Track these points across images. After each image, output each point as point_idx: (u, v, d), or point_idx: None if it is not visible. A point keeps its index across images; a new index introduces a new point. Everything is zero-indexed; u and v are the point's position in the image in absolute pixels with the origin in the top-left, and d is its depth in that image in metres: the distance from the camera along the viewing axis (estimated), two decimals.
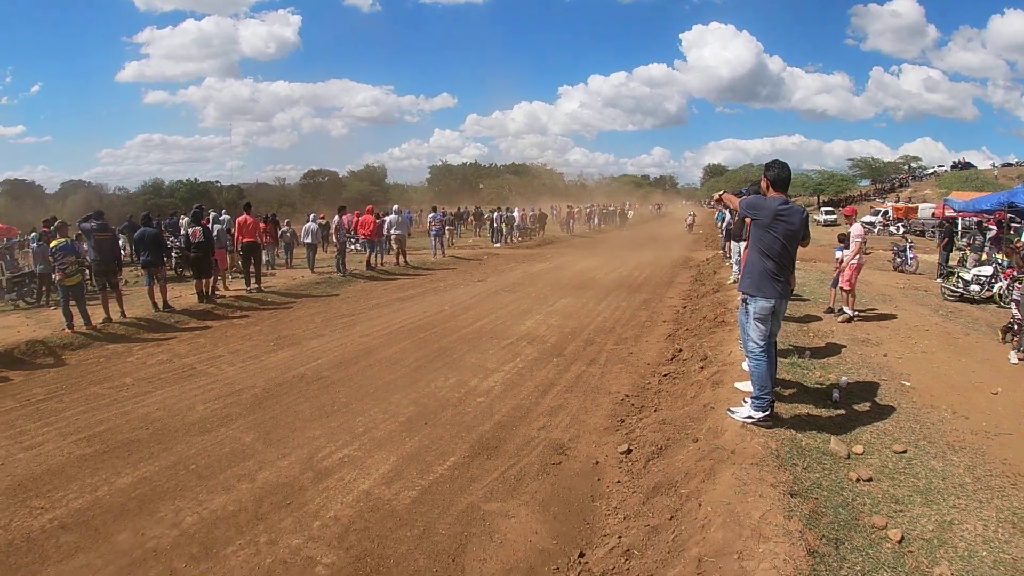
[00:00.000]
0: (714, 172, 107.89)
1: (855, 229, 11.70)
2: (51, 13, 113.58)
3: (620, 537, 5.08)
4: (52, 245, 12.74)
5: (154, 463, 6.91)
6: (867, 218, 44.63)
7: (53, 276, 13.09)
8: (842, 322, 11.25)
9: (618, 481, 6.25)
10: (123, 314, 13.98)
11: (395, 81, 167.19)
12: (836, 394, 7.21)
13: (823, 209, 59.58)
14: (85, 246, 14.50)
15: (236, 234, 18.14)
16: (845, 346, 9.58)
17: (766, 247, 6.21)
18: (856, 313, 11.55)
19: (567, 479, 6.41)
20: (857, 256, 11.44)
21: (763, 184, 6.53)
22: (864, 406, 7.06)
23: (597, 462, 6.74)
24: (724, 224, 19.60)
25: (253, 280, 18.15)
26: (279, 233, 25.72)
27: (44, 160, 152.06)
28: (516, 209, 37.95)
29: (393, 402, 8.72)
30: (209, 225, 17.00)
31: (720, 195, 7.62)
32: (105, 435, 7.73)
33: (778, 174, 6.39)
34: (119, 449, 7.31)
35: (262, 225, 20.31)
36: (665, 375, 9.31)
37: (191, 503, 6.04)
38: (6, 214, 55.84)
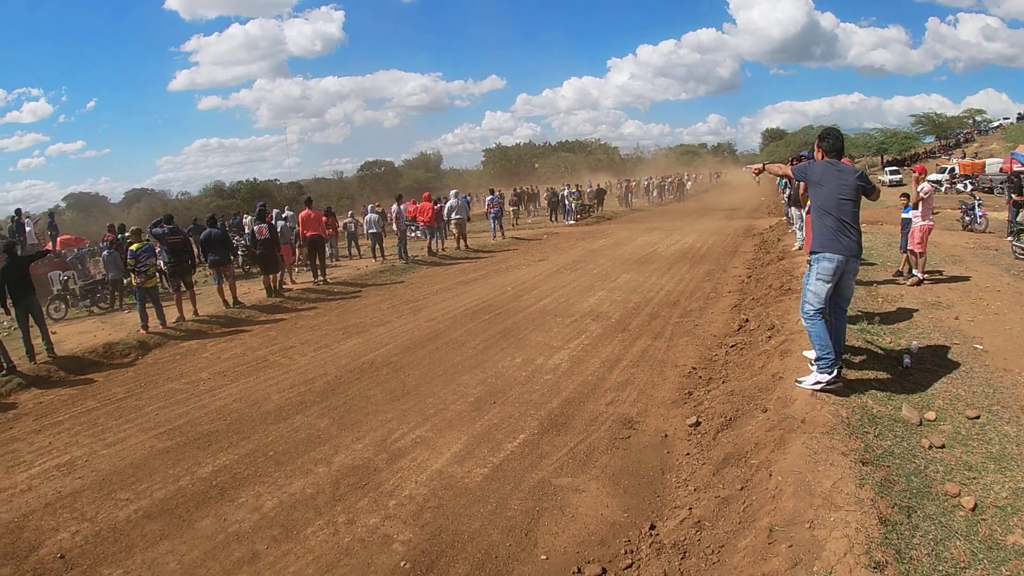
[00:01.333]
0: (773, 136, 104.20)
1: (924, 187, 11.31)
2: (99, 31, 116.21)
3: (691, 509, 5.08)
4: (134, 248, 13.10)
5: (233, 452, 7.15)
6: (933, 176, 42.87)
7: (130, 280, 13.53)
8: (911, 285, 10.91)
9: (687, 453, 6.23)
10: (196, 312, 14.40)
11: (442, 67, 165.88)
12: (907, 359, 7.00)
13: (887, 169, 57.33)
14: (157, 250, 14.90)
15: (301, 228, 18.47)
16: (916, 310, 9.27)
17: (822, 201, 6.13)
18: (926, 276, 11.23)
19: (636, 453, 6.43)
20: (928, 217, 11.08)
21: (817, 155, 6.45)
22: (936, 371, 6.84)
23: (666, 435, 6.73)
24: (786, 191, 19.24)
25: (319, 272, 18.47)
26: (342, 224, 26.12)
27: (106, 172, 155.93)
28: (569, 185, 37.69)
29: (461, 383, 8.82)
30: (273, 222, 17.35)
31: (763, 166, 7.48)
32: (184, 428, 8.01)
33: (832, 144, 6.32)
34: (199, 440, 7.57)
35: (324, 218, 20.58)
36: (732, 346, 9.19)
37: (270, 488, 6.24)
38: (74, 226, 57.64)
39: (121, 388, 10.02)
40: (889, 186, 46.39)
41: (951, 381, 6.52)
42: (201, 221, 21.21)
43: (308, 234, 18.15)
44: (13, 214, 24.28)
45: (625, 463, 6.22)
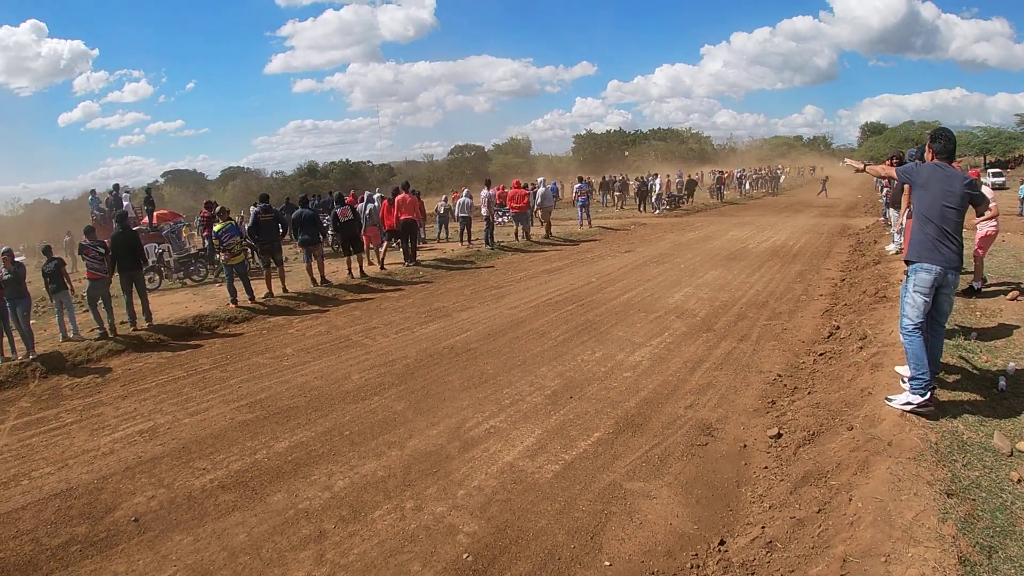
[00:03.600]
0: (872, 131, 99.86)
1: (987, 192, 10.61)
2: (197, 16, 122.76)
3: (763, 527, 4.89)
4: (217, 228, 13.61)
5: (310, 429, 7.29)
6: None
7: (218, 256, 13.96)
8: (1011, 300, 10.28)
9: (765, 467, 5.99)
10: (284, 289, 14.78)
11: (533, 53, 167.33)
12: (1003, 382, 6.54)
13: (990, 171, 54.44)
14: (247, 227, 15.34)
15: (396, 211, 18.64)
16: (1016, 327, 8.56)
17: (924, 209, 5.81)
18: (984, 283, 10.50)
19: (712, 462, 6.23)
20: (992, 223, 10.40)
21: (927, 156, 6.12)
22: None
23: (745, 445, 6.50)
24: (883, 190, 18.48)
25: (411, 256, 18.64)
26: (435, 208, 26.33)
27: (204, 150, 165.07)
28: (653, 176, 37.14)
29: (539, 375, 8.77)
30: (357, 206, 17.58)
31: (864, 166, 7.13)
32: (266, 402, 8.23)
33: (944, 146, 5.95)
34: (278, 415, 7.75)
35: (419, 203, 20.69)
36: (820, 354, 8.80)
37: (343, 468, 6.33)
38: (172, 201, 60.39)
39: (208, 359, 10.35)
40: (993, 189, 44.20)
41: None
42: (294, 201, 21.69)
43: (403, 217, 18.33)
44: (112, 188, 25.45)
45: (700, 472, 6.04)
